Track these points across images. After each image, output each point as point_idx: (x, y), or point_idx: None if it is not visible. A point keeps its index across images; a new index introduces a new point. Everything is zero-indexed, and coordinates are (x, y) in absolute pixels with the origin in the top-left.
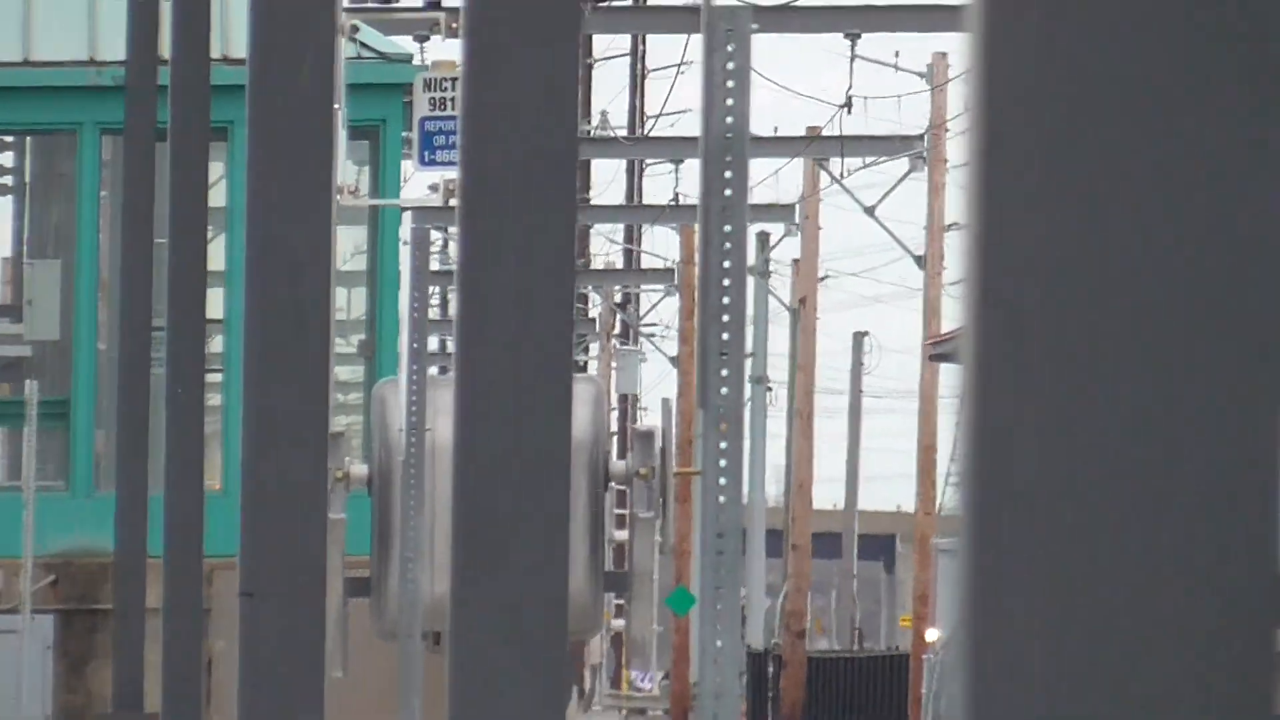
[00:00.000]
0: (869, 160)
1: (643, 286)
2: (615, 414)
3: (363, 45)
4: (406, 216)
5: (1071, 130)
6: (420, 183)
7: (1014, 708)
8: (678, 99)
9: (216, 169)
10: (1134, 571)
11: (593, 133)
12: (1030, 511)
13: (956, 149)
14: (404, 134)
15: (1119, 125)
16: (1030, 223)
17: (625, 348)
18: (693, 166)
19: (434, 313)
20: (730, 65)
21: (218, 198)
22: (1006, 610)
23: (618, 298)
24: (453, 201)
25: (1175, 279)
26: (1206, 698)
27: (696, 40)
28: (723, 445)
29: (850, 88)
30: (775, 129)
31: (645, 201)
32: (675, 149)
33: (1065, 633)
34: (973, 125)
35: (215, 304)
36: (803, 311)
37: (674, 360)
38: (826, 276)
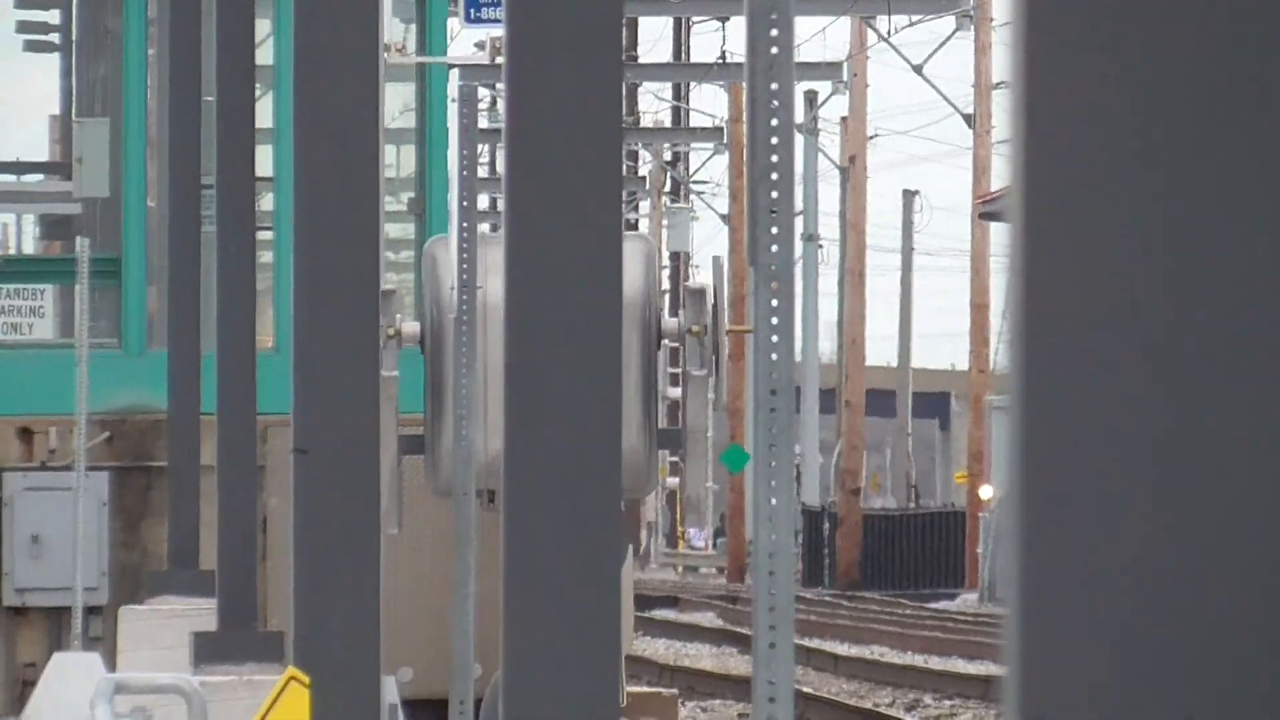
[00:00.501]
0: (916, 18)
1: (692, 145)
2: (667, 272)
3: None
4: (454, 74)
5: None
6: (467, 40)
7: (1065, 568)
8: None
9: (263, 26)
10: (1185, 432)
11: None
12: (1080, 370)
13: (1003, 7)
14: None
15: None
16: (1076, 82)
17: (676, 205)
18: (740, 24)
19: (483, 170)
20: None
21: (265, 55)
22: (1056, 471)
23: (667, 155)
24: (499, 59)
25: (1224, 138)
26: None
27: None
28: (774, 303)
29: None
30: None
31: (693, 59)
32: (721, 6)
33: (1117, 490)
34: None
35: (264, 162)
36: (852, 170)
37: (725, 218)
38: (875, 135)
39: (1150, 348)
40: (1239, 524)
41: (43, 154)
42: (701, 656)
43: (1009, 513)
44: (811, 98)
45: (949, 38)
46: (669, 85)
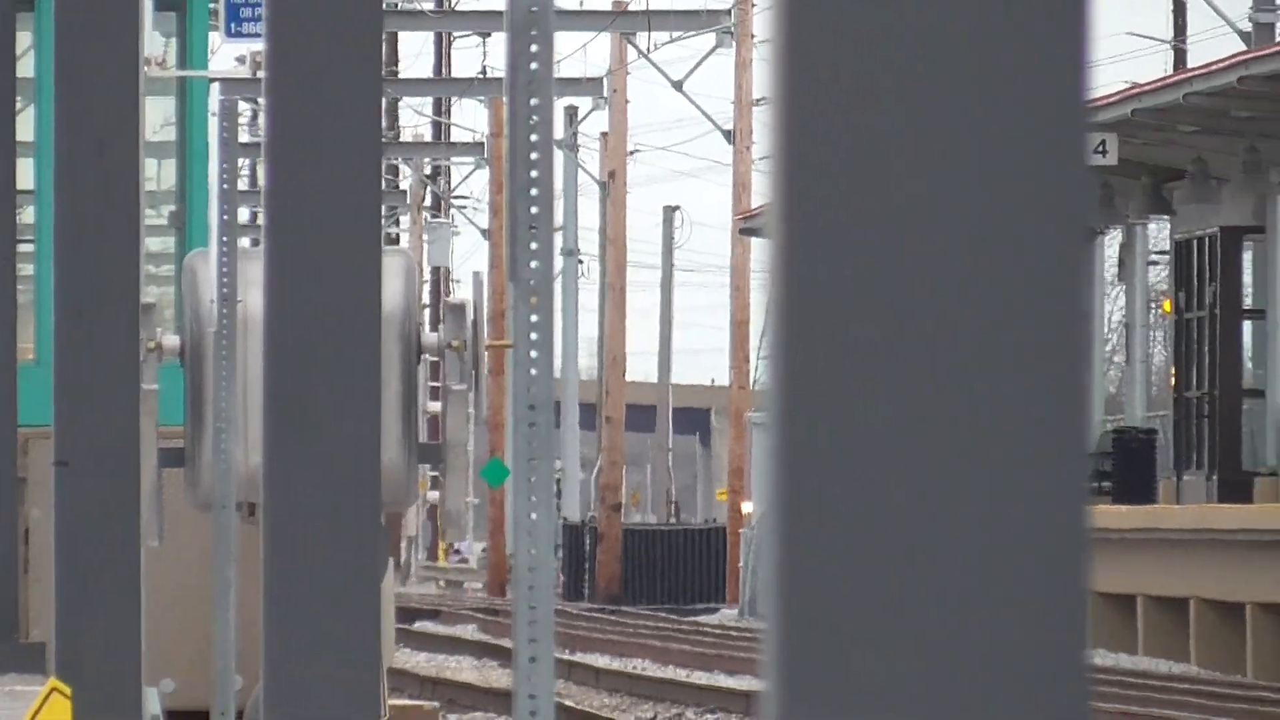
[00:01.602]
0: (676, 34)
1: (453, 159)
2: (428, 286)
3: None
4: (215, 88)
5: (873, 5)
6: (228, 54)
7: (824, 583)
8: None
9: (24, 39)
10: (941, 448)
11: (399, 5)
12: (838, 386)
13: (763, 24)
14: (211, 5)
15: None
16: (834, 97)
17: (436, 220)
18: (501, 39)
19: (244, 184)
20: None
21: (26, 68)
22: (816, 487)
23: (428, 170)
24: (260, 73)
25: (979, 149)
26: (1015, 570)
27: None
28: (533, 318)
29: None
30: (581, 2)
31: (454, 74)
32: (482, 22)
33: (875, 506)
34: (776, 2)
35: (25, 174)
36: (612, 185)
37: (485, 233)
38: (636, 150)
39: (908, 364)
40: (998, 537)
41: None
42: (463, 669)
43: (769, 528)
44: (572, 113)
45: (709, 54)
46: (430, 100)
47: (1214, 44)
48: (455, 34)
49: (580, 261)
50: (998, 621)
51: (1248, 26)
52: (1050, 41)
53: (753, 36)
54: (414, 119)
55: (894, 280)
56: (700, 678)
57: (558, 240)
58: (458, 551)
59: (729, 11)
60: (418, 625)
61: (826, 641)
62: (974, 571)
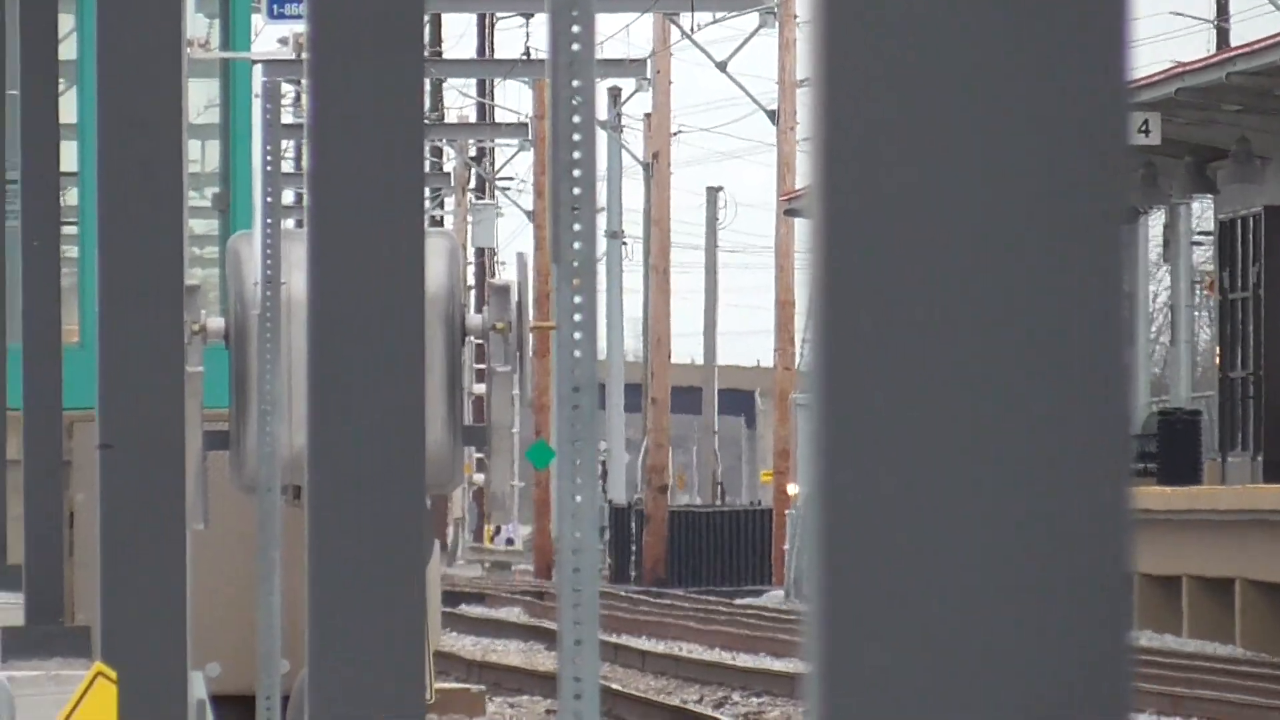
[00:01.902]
0: (719, 15)
1: (497, 141)
2: (472, 268)
3: None
4: (257, 70)
5: None
6: (271, 36)
7: (868, 566)
8: None
9: (67, 21)
10: (984, 429)
11: None
12: (882, 367)
13: (806, 4)
14: None
15: None
16: (876, 78)
17: (480, 201)
18: (544, 20)
19: (288, 166)
20: None
21: (68, 50)
22: (859, 468)
23: (472, 151)
24: (303, 55)
25: (1021, 130)
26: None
27: None
28: (577, 300)
29: None
30: None
31: (497, 55)
32: (525, 3)
33: (919, 487)
34: None
35: (69, 157)
36: (656, 166)
37: (530, 214)
38: (679, 131)
39: (951, 344)
40: (1040, 518)
41: None
42: (509, 652)
43: (813, 510)
44: (615, 94)
45: (752, 34)
46: (474, 81)
47: (1257, 23)
48: (498, 15)
49: (624, 243)
50: (1041, 603)
51: None
52: (1092, 21)
53: (796, 17)
54: (458, 100)
55: (935, 261)
56: (746, 660)
57: (601, 222)
58: (508, 539)
59: None
60: (463, 608)
61: (869, 624)
62: (1017, 553)
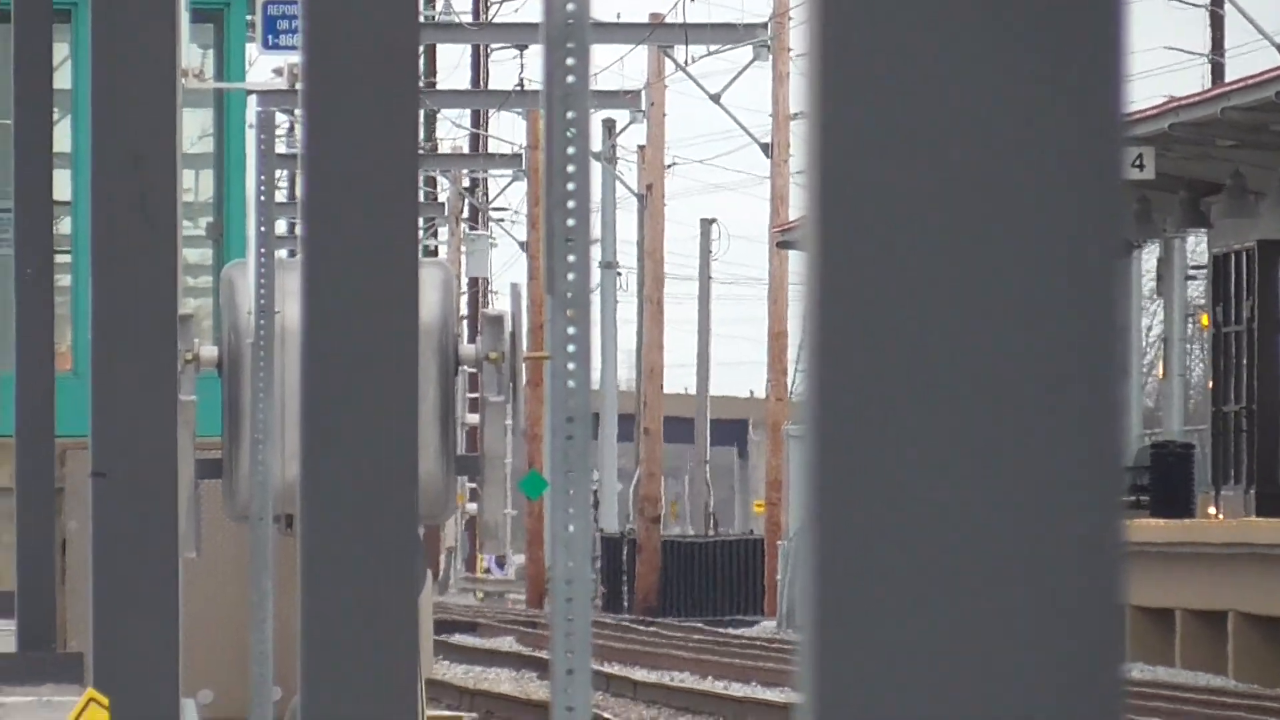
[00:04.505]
0: (713, 48)
1: (490, 171)
2: (466, 298)
3: None
4: (252, 100)
5: (909, 16)
6: (265, 66)
7: (860, 596)
8: None
9: (61, 50)
10: (976, 461)
11: (436, 17)
12: (874, 398)
13: (800, 37)
14: (248, 17)
15: (956, 11)
16: (869, 111)
17: (474, 232)
18: (538, 52)
19: (282, 196)
20: None
21: (63, 79)
22: (851, 499)
23: (466, 182)
24: (297, 85)
25: (1016, 164)
26: (1049, 570)
27: None
28: (570, 330)
29: None
30: (618, 15)
31: (491, 87)
32: (519, 34)
33: (912, 518)
34: (811, 14)
35: (63, 186)
36: (650, 198)
37: (523, 245)
38: (674, 164)
39: (944, 376)
40: (1033, 550)
41: None
42: (501, 681)
43: (805, 541)
44: (610, 126)
45: (746, 67)
46: (468, 112)
47: (1252, 57)
48: (492, 46)
49: (618, 274)
50: (1034, 634)
51: None
52: (1087, 56)
53: (790, 50)
54: (451, 131)
55: (928, 293)
56: (738, 690)
57: (595, 253)
58: (501, 565)
59: (766, 25)
60: (456, 638)
61: (862, 654)
62: (1010, 585)
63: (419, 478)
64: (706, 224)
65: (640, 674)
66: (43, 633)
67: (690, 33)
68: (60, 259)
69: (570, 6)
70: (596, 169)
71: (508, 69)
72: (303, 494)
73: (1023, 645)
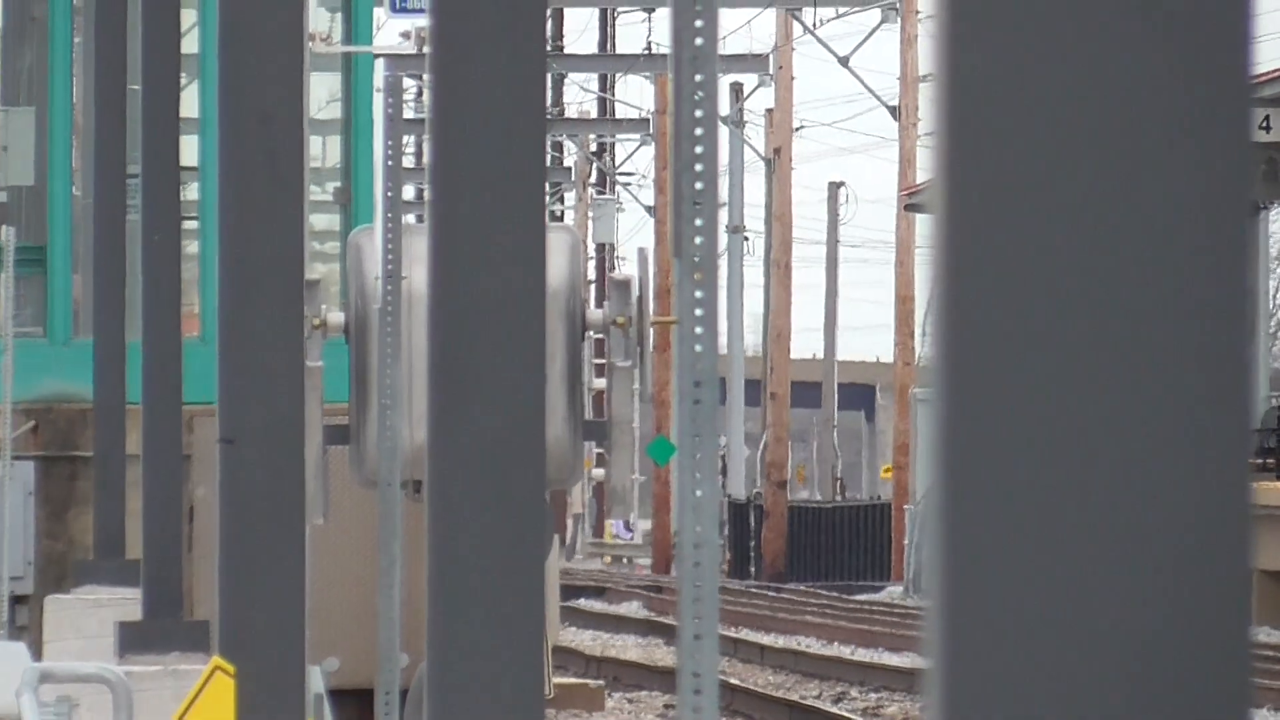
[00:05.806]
0: (842, 10)
1: (618, 136)
2: (593, 263)
3: None
4: (379, 64)
5: None
6: (393, 30)
7: (988, 561)
8: None
9: (189, 16)
10: (1103, 425)
11: None
12: (1003, 362)
13: (928, 0)
14: None
15: None
16: (999, 73)
17: (601, 197)
18: (666, 15)
19: (409, 160)
20: None
21: (190, 44)
22: (980, 464)
23: (593, 147)
24: (425, 49)
25: (1142, 127)
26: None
27: None
28: (698, 294)
29: None
30: None
31: (619, 50)
32: None
33: (1040, 482)
34: None
35: (190, 151)
36: (777, 162)
37: (650, 209)
38: (801, 127)
39: (1071, 340)
40: (1160, 515)
41: None
42: (628, 647)
43: (934, 505)
44: (737, 90)
45: (875, 30)
46: (595, 76)
47: None
48: (620, 9)
49: (746, 238)
50: (1160, 600)
51: None
52: (1214, 18)
53: (918, 12)
54: (579, 95)
55: (1056, 257)
56: (864, 655)
57: (723, 217)
58: (629, 529)
59: None
60: (583, 602)
61: (989, 619)
62: (1136, 550)
63: (546, 443)
64: (834, 187)
65: (767, 639)
66: (169, 601)
67: None
68: (187, 225)
69: None
70: (724, 132)
71: (635, 32)
72: (431, 459)
73: (1150, 609)
